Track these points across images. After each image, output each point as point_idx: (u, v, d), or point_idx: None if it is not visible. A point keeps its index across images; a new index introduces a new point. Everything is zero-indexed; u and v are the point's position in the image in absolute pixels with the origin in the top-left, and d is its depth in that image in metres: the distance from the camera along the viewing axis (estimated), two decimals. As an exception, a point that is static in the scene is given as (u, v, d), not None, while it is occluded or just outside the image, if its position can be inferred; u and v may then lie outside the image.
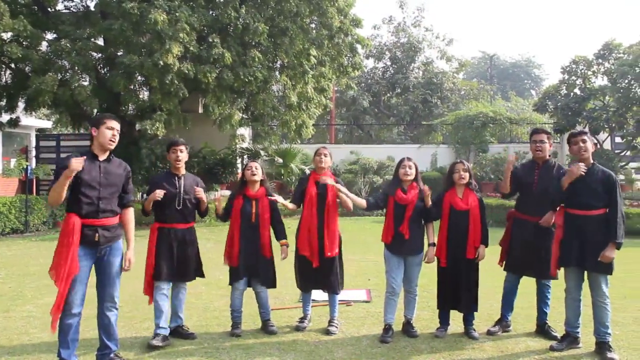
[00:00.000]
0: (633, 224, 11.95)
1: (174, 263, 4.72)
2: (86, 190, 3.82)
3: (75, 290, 3.79)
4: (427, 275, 5.39)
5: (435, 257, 4.94)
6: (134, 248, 4.16)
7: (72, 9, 15.05)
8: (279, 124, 15.60)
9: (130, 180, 4.23)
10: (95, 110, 13.62)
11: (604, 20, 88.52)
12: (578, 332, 4.58)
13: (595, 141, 17.25)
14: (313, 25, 15.12)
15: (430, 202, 4.86)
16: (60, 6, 14.45)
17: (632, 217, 12.19)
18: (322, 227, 4.94)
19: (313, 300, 5.40)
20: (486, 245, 4.88)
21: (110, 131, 3.94)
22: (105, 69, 14.14)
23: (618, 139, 18.68)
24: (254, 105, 14.80)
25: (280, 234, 5.04)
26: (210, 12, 13.53)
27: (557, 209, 4.68)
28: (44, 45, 13.45)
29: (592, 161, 4.54)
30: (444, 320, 4.98)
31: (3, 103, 14.31)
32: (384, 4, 76.14)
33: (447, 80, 28.40)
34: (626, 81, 16.45)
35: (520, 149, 18.32)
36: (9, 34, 12.69)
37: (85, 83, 13.11)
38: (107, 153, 4.02)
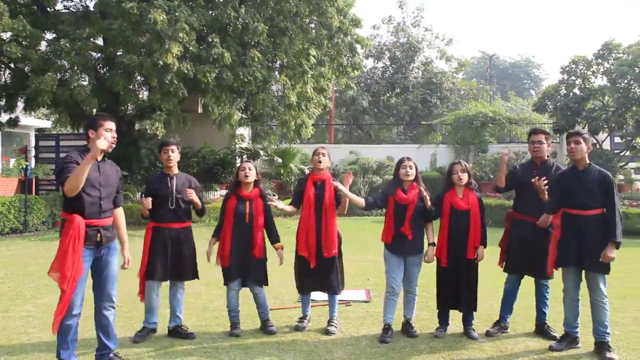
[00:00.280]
0: (633, 224, 11.96)
1: (168, 262, 4.74)
2: (89, 190, 3.82)
3: (77, 292, 3.80)
4: (427, 275, 5.39)
5: (435, 257, 4.95)
6: (129, 247, 4.22)
7: (71, 8, 15.04)
8: (278, 123, 15.60)
9: (121, 180, 4.28)
10: (94, 110, 13.61)
11: (603, 20, 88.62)
12: (577, 332, 4.59)
13: (595, 141, 17.27)
14: (312, 25, 15.13)
15: (429, 204, 4.86)
16: (59, 6, 14.45)
17: (632, 217, 12.19)
18: (320, 228, 4.94)
19: (312, 300, 5.40)
20: (485, 246, 4.88)
21: (110, 133, 3.93)
22: (105, 69, 14.14)
23: (617, 139, 18.71)
24: (253, 105, 14.79)
25: (274, 237, 5.01)
26: (210, 12, 13.53)
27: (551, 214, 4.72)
28: (43, 45, 13.45)
29: (588, 162, 4.55)
30: (444, 320, 4.98)
31: (2, 103, 14.31)
32: (384, 4, 76.22)
33: (446, 80, 28.42)
34: (625, 81, 16.47)
35: (519, 149, 18.34)
36: (9, 34, 12.69)
37: (85, 83, 13.10)
38: (102, 153, 4.00)
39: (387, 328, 4.82)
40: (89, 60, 12.70)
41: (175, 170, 4.92)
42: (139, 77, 13.83)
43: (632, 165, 17.69)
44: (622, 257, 5.50)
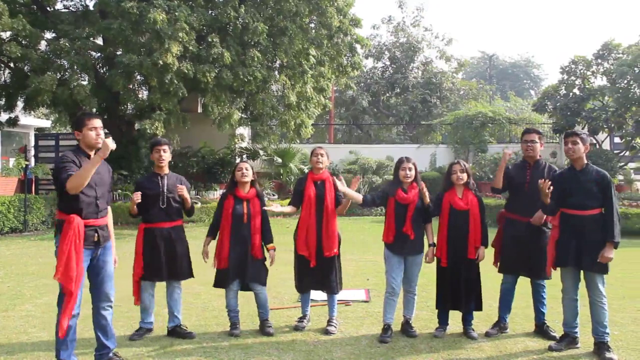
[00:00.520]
0: (632, 224, 11.95)
1: (162, 262, 4.75)
2: (86, 190, 3.81)
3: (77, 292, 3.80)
4: (426, 275, 5.40)
5: (435, 257, 4.95)
6: (115, 247, 4.23)
7: (71, 8, 15.06)
8: (278, 123, 15.61)
9: (112, 179, 4.29)
10: (94, 110, 13.60)
11: (603, 20, 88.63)
12: (576, 332, 4.59)
13: (594, 141, 17.29)
14: (312, 25, 15.14)
15: (428, 200, 4.86)
16: (59, 5, 14.48)
17: (632, 217, 12.18)
18: (320, 227, 4.94)
19: (312, 300, 5.40)
20: (486, 246, 4.89)
21: (94, 131, 3.89)
22: (105, 69, 14.15)
23: (617, 139, 18.73)
24: (253, 104, 14.80)
25: (268, 238, 4.99)
26: (210, 11, 13.54)
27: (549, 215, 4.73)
28: (43, 45, 13.46)
29: (585, 162, 4.55)
30: (443, 320, 4.98)
31: (2, 102, 14.32)
32: (383, 4, 76.25)
33: (446, 80, 28.42)
34: (625, 81, 16.47)
35: (519, 148, 18.31)
36: (8, 33, 12.71)
37: (84, 82, 13.11)
38: (94, 152, 3.97)
39: (386, 328, 4.82)
40: (88, 60, 12.71)
41: (166, 170, 4.93)
42: (138, 77, 13.84)
43: (631, 165, 17.69)
44: (621, 258, 5.51)
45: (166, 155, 4.88)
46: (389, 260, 4.90)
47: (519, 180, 4.95)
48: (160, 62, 11.49)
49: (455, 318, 5.04)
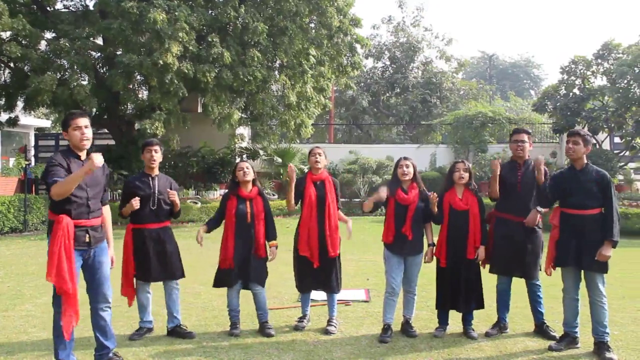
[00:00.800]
0: (632, 224, 11.95)
1: (153, 263, 4.75)
2: (76, 192, 3.76)
3: None
4: (426, 275, 5.39)
5: (435, 257, 4.95)
6: (113, 246, 4.20)
7: (71, 8, 15.06)
8: (278, 123, 15.60)
9: (108, 177, 4.21)
10: (94, 110, 13.60)
11: (603, 20, 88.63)
12: (576, 332, 4.59)
13: (594, 141, 17.28)
14: (312, 25, 15.13)
15: (436, 209, 4.85)
16: (59, 5, 14.48)
17: (631, 217, 12.18)
18: (323, 228, 4.94)
19: (312, 300, 5.40)
20: (485, 246, 4.88)
21: (78, 131, 3.82)
22: (105, 68, 14.14)
23: (617, 139, 18.71)
24: (253, 104, 14.80)
25: (271, 235, 4.99)
26: (210, 11, 13.54)
27: (545, 208, 4.75)
28: (43, 45, 13.46)
29: (585, 161, 4.56)
30: (443, 320, 4.98)
31: (2, 102, 14.32)
32: (383, 4, 76.25)
33: (446, 80, 28.40)
34: (625, 81, 16.47)
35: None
36: (8, 33, 12.71)
37: (85, 82, 13.11)
38: (86, 152, 3.94)
39: (386, 328, 4.81)
40: (88, 60, 12.72)
41: (157, 170, 4.92)
42: (138, 77, 13.84)
43: (631, 165, 17.69)
44: (621, 257, 5.51)
45: (157, 156, 4.87)
46: (389, 261, 4.90)
47: (511, 180, 4.94)
48: (160, 62, 11.48)
49: (455, 318, 5.03)
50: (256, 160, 18.08)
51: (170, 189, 4.89)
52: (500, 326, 4.99)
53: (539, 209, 4.82)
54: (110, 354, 4.09)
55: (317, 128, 25.79)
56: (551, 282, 4.94)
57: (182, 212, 5.15)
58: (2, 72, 14.31)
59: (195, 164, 16.42)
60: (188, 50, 12.27)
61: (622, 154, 17.60)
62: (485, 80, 38.80)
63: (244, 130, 18.23)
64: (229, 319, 4.99)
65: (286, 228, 9.55)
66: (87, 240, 3.86)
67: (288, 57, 14.02)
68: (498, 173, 4.90)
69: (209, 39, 12.64)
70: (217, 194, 16.04)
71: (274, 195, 16.68)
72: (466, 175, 4.88)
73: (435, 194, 4.85)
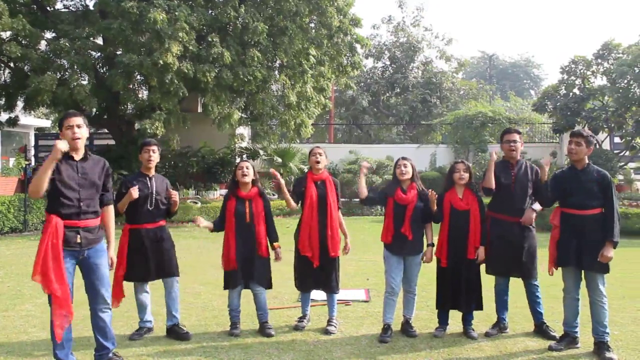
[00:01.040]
0: (632, 224, 11.94)
1: (151, 262, 4.75)
2: (66, 191, 3.75)
3: None
4: (426, 275, 5.39)
5: (435, 257, 4.95)
6: (113, 247, 4.16)
7: (71, 8, 15.06)
8: (278, 123, 15.60)
9: (111, 177, 4.15)
10: (94, 110, 13.59)
11: (603, 20, 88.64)
12: (576, 332, 4.59)
13: (595, 141, 17.28)
14: (312, 25, 15.13)
15: (435, 207, 4.85)
16: (59, 5, 14.47)
17: (632, 217, 12.17)
18: (324, 228, 4.94)
19: (312, 300, 5.40)
20: (485, 246, 4.88)
21: (70, 130, 3.79)
22: (105, 68, 14.14)
23: (617, 139, 18.72)
24: (253, 104, 14.80)
25: (273, 236, 4.98)
26: (210, 11, 13.54)
27: (541, 207, 4.77)
28: (43, 45, 13.46)
29: (587, 162, 4.56)
30: (443, 320, 4.98)
31: (2, 102, 14.32)
32: (384, 4, 76.27)
33: (446, 80, 28.40)
34: (625, 81, 16.48)
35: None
36: (8, 33, 12.70)
37: (85, 82, 13.10)
38: (83, 152, 3.90)
39: (386, 328, 4.81)
40: (88, 60, 12.70)
41: (153, 171, 4.93)
42: (138, 77, 13.83)
43: (631, 165, 17.69)
44: (621, 257, 5.51)
45: (155, 156, 4.86)
46: (388, 260, 4.90)
47: (505, 181, 4.93)
48: (160, 62, 11.48)
49: (455, 318, 5.04)
50: (256, 160, 18.08)
51: (167, 189, 4.90)
52: (500, 326, 4.99)
53: (534, 207, 4.84)
54: (110, 354, 4.09)
55: (317, 128, 25.79)
56: (551, 282, 4.94)
57: (181, 212, 5.15)
58: (2, 72, 14.30)
59: (195, 164, 16.41)
60: (188, 50, 12.27)
61: (622, 154, 17.61)
62: (485, 80, 38.81)
63: (244, 130, 18.22)
64: (229, 319, 4.98)
65: (286, 228, 9.55)
66: (78, 241, 3.80)
67: (288, 57, 14.01)
68: (493, 162, 4.88)
69: (209, 39, 12.64)
70: (217, 194, 16.03)
71: (274, 195, 16.67)
72: (466, 175, 4.88)
73: (433, 191, 4.85)
